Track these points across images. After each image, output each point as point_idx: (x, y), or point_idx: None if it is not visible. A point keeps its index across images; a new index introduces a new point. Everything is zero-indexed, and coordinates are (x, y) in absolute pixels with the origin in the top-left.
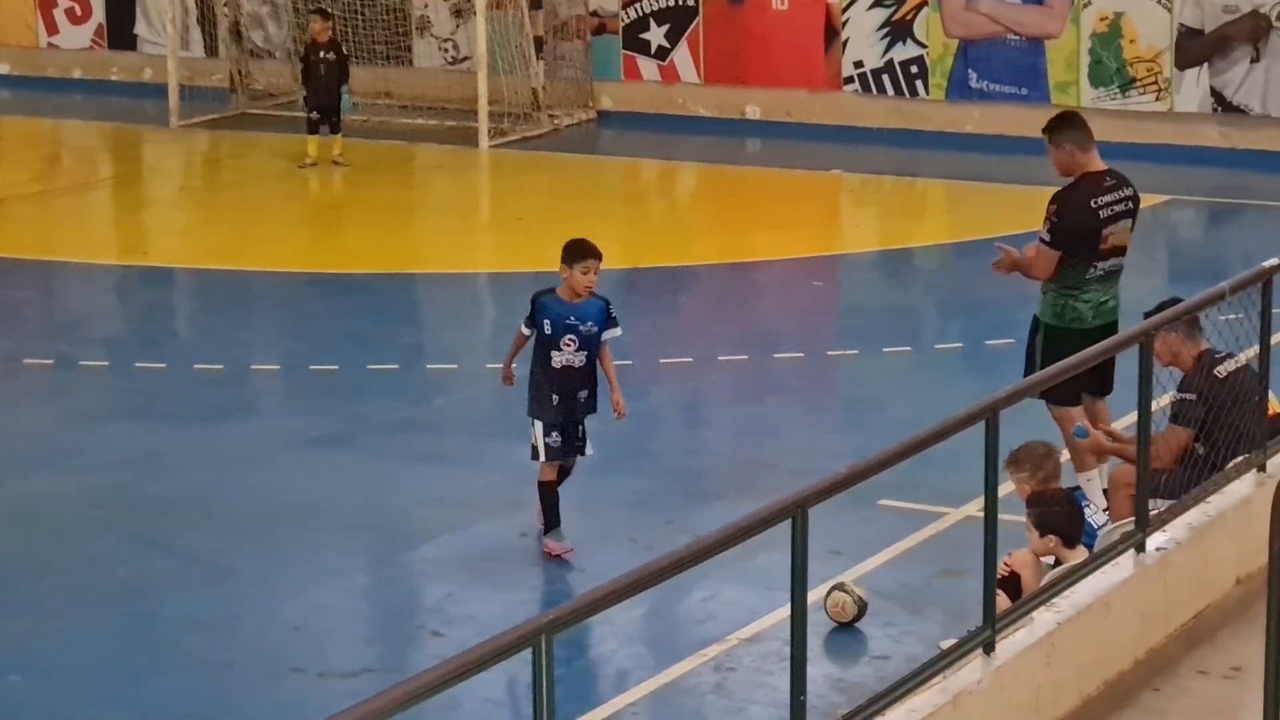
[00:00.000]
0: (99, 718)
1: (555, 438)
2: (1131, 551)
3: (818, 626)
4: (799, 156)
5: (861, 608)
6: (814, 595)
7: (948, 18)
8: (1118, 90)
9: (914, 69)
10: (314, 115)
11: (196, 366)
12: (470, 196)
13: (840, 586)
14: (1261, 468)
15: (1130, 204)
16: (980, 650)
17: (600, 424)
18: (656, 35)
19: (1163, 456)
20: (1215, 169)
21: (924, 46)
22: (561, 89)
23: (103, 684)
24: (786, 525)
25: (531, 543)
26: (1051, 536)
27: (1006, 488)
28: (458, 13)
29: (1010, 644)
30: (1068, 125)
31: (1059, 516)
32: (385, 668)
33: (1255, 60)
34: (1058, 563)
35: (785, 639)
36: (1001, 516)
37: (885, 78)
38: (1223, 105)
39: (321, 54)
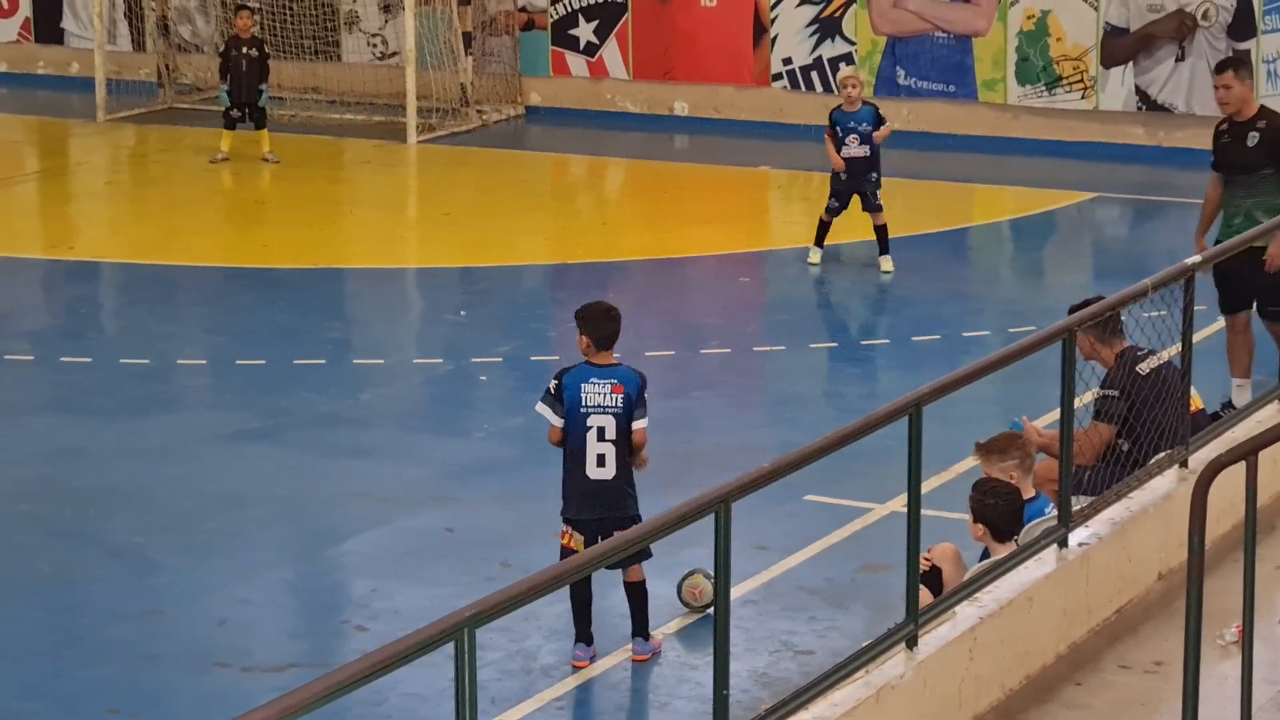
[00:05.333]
0: (22, 711)
1: None
2: (1054, 547)
3: (742, 621)
4: (727, 152)
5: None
6: (737, 592)
7: (876, 14)
8: (1044, 88)
9: (843, 65)
10: (234, 112)
11: (122, 360)
12: (398, 192)
13: (700, 571)
14: (1184, 464)
15: None
16: (903, 644)
17: (524, 418)
18: (585, 31)
19: (1085, 452)
20: (1140, 166)
21: (852, 43)
22: (490, 84)
23: (26, 677)
24: (711, 520)
25: (457, 538)
26: (981, 525)
27: (930, 483)
28: (386, 8)
29: (933, 638)
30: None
31: (994, 509)
32: (310, 662)
33: (1180, 59)
34: (987, 553)
35: (709, 634)
36: (924, 512)
37: (814, 74)
38: (1147, 104)
39: (244, 49)
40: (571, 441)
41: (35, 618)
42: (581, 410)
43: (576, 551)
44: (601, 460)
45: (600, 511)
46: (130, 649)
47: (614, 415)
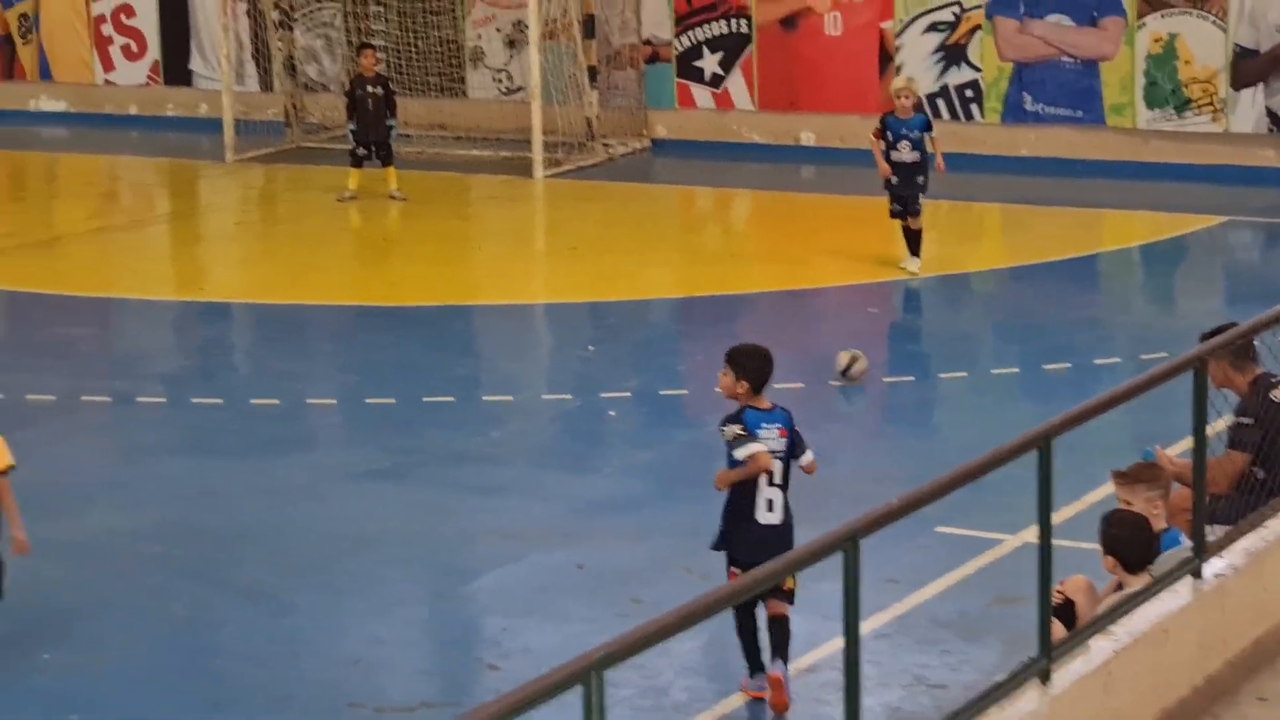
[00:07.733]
0: None
1: None
2: (1189, 578)
3: (874, 655)
4: (854, 182)
5: (852, 359)
6: (869, 626)
7: (1002, 41)
8: (1173, 111)
9: (969, 92)
10: (361, 150)
11: (253, 401)
12: (525, 226)
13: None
14: None
15: None
16: (1036, 679)
17: (654, 453)
18: (710, 63)
19: (1220, 482)
20: (1272, 189)
21: (978, 70)
22: (615, 118)
23: (161, 719)
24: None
25: (588, 574)
26: (1111, 557)
27: (1061, 514)
28: (511, 43)
29: (1067, 672)
30: None
31: (1123, 540)
32: (442, 701)
33: None
34: (1121, 586)
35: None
36: (1057, 543)
37: (940, 102)
38: (1279, 126)
39: (369, 88)
40: (742, 485)
41: (169, 660)
42: None
43: None
44: (770, 505)
45: (768, 557)
46: (264, 690)
47: (781, 459)
